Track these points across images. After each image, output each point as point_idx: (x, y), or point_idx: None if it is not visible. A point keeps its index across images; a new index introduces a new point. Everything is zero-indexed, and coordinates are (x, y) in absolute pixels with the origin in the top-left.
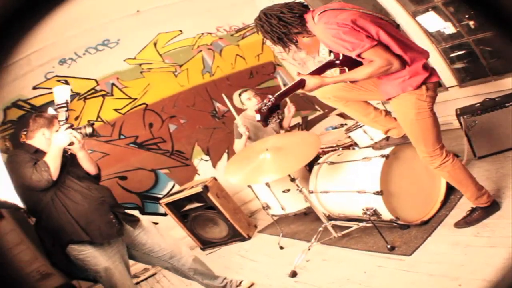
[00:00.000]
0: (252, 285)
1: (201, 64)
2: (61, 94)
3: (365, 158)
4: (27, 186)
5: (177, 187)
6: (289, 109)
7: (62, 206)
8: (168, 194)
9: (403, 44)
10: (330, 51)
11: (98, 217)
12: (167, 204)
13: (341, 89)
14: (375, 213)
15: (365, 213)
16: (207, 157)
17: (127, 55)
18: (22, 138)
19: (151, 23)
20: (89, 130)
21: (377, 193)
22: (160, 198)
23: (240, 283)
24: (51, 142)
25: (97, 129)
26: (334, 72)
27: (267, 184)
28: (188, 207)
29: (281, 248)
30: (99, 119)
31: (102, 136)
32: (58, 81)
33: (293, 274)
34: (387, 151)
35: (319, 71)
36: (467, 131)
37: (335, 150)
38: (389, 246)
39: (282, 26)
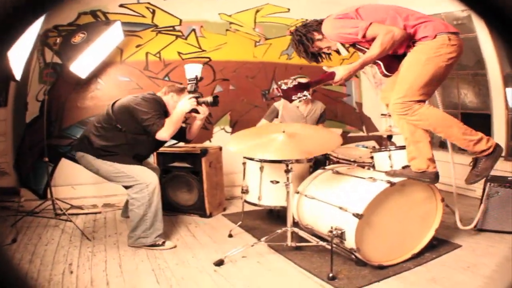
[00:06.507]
0: (174, 247)
1: (286, 45)
2: (192, 70)
3: (370, 177)
4: (138, 120)
5: (180, 144)
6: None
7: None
8: (169, 146)
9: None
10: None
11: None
12: (159, 153)
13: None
14: (340, 236)
15: (331, 232)
16: (229, 129)
17: (225, 10)
18: (75, 39)
19: None
20: (210, 99)
21: (356, 215)
22: None
23: (164, 242)
24: (176, 106)
25: (149, 63)
26: None
27: (261, 168)
28: (175, 163)
29: (230, 236)
30: (157, 55)
31: (149, 71)
32: (147, 8)
33: (219, 263)
34: (396, 179)
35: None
36: (486, 198)
37: (350, 164)
38: (331, 275)
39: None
